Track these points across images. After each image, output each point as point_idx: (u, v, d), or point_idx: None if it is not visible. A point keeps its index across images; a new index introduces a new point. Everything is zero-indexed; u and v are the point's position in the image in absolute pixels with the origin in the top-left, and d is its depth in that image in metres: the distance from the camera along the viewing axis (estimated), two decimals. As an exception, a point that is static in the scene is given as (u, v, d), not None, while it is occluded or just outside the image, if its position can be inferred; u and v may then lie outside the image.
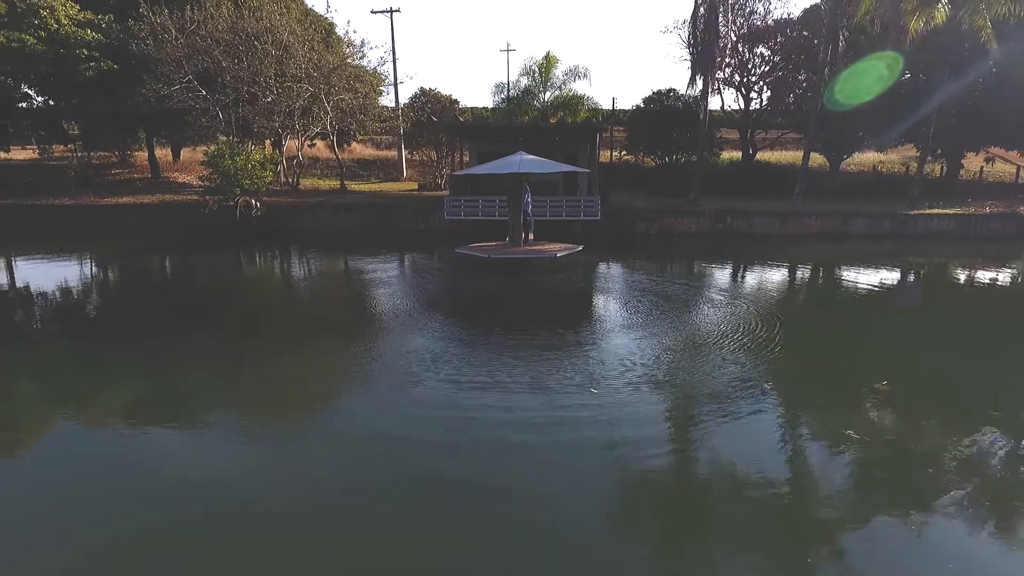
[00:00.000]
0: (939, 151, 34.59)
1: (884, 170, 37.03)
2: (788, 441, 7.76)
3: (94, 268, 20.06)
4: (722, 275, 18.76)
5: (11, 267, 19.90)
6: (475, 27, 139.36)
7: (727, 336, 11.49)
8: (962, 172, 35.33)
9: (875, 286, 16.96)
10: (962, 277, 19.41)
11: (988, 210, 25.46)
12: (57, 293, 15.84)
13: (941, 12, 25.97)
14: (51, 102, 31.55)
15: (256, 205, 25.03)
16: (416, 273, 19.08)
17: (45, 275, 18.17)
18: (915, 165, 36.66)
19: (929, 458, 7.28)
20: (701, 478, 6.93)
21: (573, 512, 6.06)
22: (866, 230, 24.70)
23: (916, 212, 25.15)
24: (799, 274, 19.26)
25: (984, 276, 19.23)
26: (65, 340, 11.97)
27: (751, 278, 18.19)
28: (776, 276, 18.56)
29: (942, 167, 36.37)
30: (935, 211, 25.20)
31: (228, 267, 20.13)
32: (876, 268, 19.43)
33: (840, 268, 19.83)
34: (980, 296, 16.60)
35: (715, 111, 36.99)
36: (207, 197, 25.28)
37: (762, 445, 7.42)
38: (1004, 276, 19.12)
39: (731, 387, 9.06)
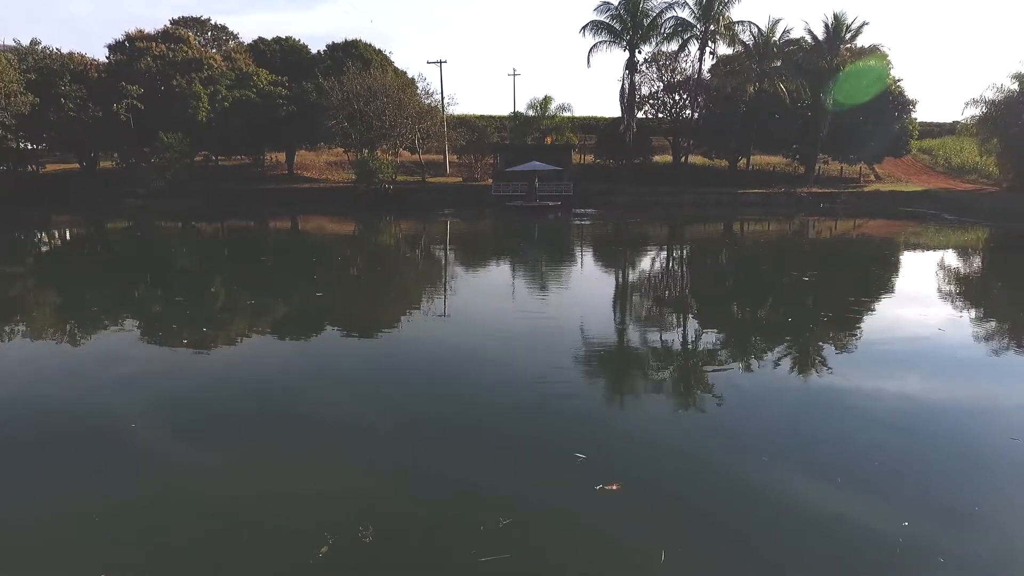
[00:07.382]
0: (798, 156, 56.16)
1: (771, 168, 58.13)
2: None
3: (329, 225, 41.59)
4: (616, 215, 40.30)
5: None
6: (485, 51, 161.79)
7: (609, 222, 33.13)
8: (820, 170, 56.08)
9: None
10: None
11: (782, 190, 47.09)
12: (319, 236, 37.47)
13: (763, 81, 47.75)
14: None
15: (389, 189, 46.47)
16: (487, 212, 40.90)
17: (300, 237, 39.77)
18: (797, 167, 57.73)
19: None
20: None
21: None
22: (715, 200, 46.26)
23: (742, 191, 46.77)
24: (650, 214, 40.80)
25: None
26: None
27: (631, 216, 39.65)
28: (641, 213, 40.11)
29: (795, 167, 57.83)
30: (752, 190, 46.82)
31: (392, 220, 41.77)
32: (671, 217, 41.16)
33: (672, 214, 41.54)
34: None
35: (653, 121, 57.81)
36: (359, 185, 46.69)
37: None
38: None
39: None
